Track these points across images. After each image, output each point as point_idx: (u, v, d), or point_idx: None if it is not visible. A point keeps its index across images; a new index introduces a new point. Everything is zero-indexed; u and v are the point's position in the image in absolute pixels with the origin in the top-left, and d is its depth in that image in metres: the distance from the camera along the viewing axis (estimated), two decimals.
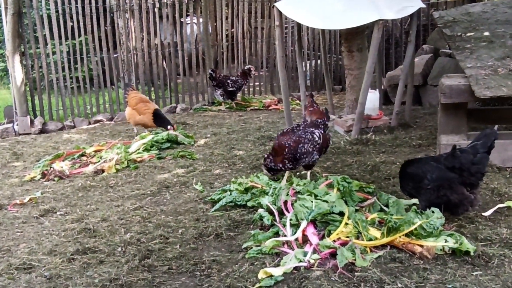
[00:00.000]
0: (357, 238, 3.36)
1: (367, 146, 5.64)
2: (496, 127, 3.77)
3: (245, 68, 9.34)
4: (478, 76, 4.69)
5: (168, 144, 6.38)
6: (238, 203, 4.19)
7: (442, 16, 6.90)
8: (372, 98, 6.29)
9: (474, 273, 2.95)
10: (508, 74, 4.64)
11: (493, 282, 2.83)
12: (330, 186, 4.07)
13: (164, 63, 9.82)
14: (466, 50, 5.43)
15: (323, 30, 7.56)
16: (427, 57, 8.29)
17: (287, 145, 4.34)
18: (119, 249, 3.59)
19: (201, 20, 9.64)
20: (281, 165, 4.37)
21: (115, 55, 9.62)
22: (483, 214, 3.72)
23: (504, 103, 5.86)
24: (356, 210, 3.72)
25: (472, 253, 3.13)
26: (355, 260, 3.11)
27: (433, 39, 9.25)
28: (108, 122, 8.85)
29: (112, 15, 9.54)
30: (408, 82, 6.78)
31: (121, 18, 9.72)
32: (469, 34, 5.91)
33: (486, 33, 5.80)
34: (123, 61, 9.54)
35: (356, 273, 2.99)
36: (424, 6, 6.38)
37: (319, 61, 10.11)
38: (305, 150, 4.28)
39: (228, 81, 8.89)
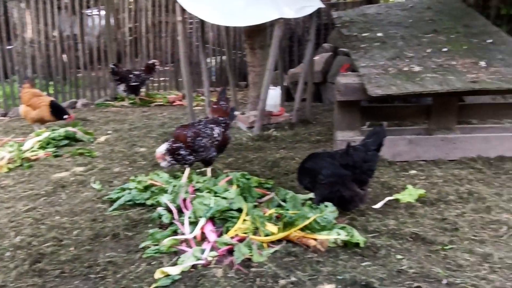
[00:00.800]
0: (255, 234, 3.40)
1: (269, 142, 5.73)
2: (384, 123, 3.95)
3: (149, 62, 9.15)
4: (371, 75, 4.92)
5: (66, 141, 6.09)
6: (137, 202, 4.09)
7: (340, 16, 7.17)
8: (274, 95, 6.40)
9: (363, 264, 3.08)
10: (398, 74, 4.90)
11: (380, 272, 2.98)
12: (230, 182, 4.09)
13: (64, 56, 9.37)
14: (361, 49, 5.67)
15: (227, 27, 7.58)
16: (327, 55, 8.57)
17: (187, 134, 4.26)
18: (8, 253, 3.38)
19: (103, 12, 9.30)
20: (178, 155, 4.25)
21: (9, 47, 9.04)
22: (373, 207, 3.90)
23: (394, 101, 6.18)
24: (255, 206, 3.76)
25: (362, 245, 3.26)
26: (252, 256, 3.15)
27: (333, 38, 9.58)
28: (1, 118, 8.31)
29: (5, 3, 8.94)
30: (308, 79, 6.97)
31: (16, 7, 9.15)
32: (364, 34, 6.19)
33: (380, 34, 6.09)
34: (18, 53, 8.98)
35: (252, 269, 3.02)
36: (323, 6, 6.58)
37: (224, 57, 10.12)
38: (203, 144, 4.25)
39: (131, 75, 8.67)
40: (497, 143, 5.00)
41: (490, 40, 5.58)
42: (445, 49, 5.39)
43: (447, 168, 4.75)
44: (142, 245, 3.39)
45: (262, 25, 6.40)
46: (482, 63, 4.96)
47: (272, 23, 6.22)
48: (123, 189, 4.28)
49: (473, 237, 3.40)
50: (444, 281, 2.87)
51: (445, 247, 3.26)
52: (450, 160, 4.96)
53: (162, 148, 4.25)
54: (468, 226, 3.55)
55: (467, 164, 4.83)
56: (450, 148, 5.00)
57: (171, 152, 4.23)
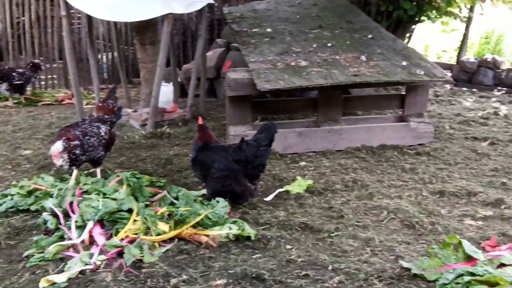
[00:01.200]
0: (146, 234, 3.34)
1: (162, 139, 5.65)
2: (259, 118, 3.98)
3: (35, 60, 8.63)
4: (260, 70, 5.00)
5: None
6: (21, 208, 3.84)
7: (231, 12, 7.21)
8: (166, 91, 6.31)
9: (254, 256, 3.13)
10: (285, 68, 5.02)
11: (270, 263, 3.04)
12: (120, 183, 3.97)
13: None
14: (251, 45, 5.74)
15: (115, 22, 7.34)
16: (220, 50, 8.59)
17: (76, 134, 4.05)
18: None
19: None
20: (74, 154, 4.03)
21: None
22: (265, 199, 3.98)
23: (284, 95, 6.35)
24: (147, 206, 3.69)
25: (253, 238, 3.31)
26: (143, 256, 3.08)
27: (225, 34, 9.61)
28: None
29: None
30: (201, 75, 6.94)
31: None
32: (254, 30, 6.27)
33: (269, 30, 6.21)
34: None
35: (143, 270, 2.96)
36: (212, 2, 6.57)
37: (116, 53, 9.80)
38: (91, 143, 4.09)
39: (14, 73, 8.12)
40: (379, 132, 5.30)
41: (371, 36, 5.88)
42: (329, 44, 5.60)
43: (334, 158, 4.95)
44: (26, 253, 3.20)
45: (152, 20, 6.27)
46: (363, 57, 5.22)
47: (162, 18, 6.11)
48: (4, 195, 4.00)
49: (357, 223, 3.58)
50: (330, 267, 2.99)
51: (332, 234, 3.41)
52: (337, 150, 5.18)
53: (58, 146, 3.98)
54: (353, 213, 3.73)
55: (353, 154, 5.07)
56: (337, 139, 5.22)
57: (68, 150, 3.98)
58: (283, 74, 4.89)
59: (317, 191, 4.14)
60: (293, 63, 5.15)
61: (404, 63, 5.15)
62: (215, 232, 3.33)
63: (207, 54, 8.28)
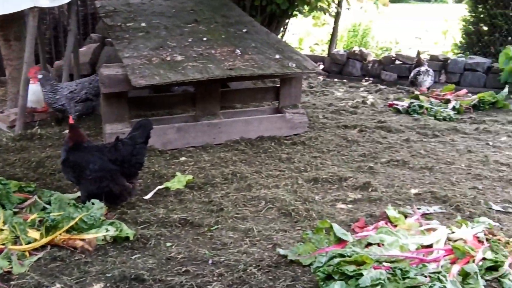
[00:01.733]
0: (15, 243, 3.12)
1: (33, 141, 5.29)
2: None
3: None
4: (135, 65, 4.86)
5: None
6: None
7: (103, 5, 6.92)
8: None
9: (133, 257, 3.05)
10: (161, 63, 4.93)
11: (150, 262, 2.99)
12: None
13: None
14: (125, 40, 5.56)
15: None
16: (95, 46, 8.25)
17: None
18: None
19: None
20: None
21: None
22: (144, 197, 3.90)
23: (162, 90, 6.25)
24: (15, 213, 3.45)
25: (132, 238, 3.23)
26: (12, 268, 2.88)
27: (100, 28, 9.24)
28: None
29: None
30: (74, 71, 6.61)
31: None
32: (128, 24, 6.08)
33: (143, 24, 6.05)
34: None
35: (12, 282, 2.76)
36: None
37: None
38: None
39: None
40: (256, 124, 5.41)
41: (245, 30, 5.97)
42: (205, 39, 5.59)
43: (214, 152, 4.97)
44: None
45: (17, 14, 5.84)
46: (238, 51, 5.28)
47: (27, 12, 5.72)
48: None
49: (236, 215, 3.62)
50: (210, 261, 3.00)
51: (212, 228, 3.42)
52: (217, 144, 5.21)
53: None
54: (232, 205, 3.77)
55: (232, 147, 5.13)
56: (216, 133, 5.25)
57: None
58: (159, 69, 4.80)
59: (197, 186, 4.13)
60: (168, 58, 5.07)
61: (277, 56, 5.29)
62: (91, 235, 3.20)
63: (81, 49, 7.91)
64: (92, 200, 3.43)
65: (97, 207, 3.38)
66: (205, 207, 3.76)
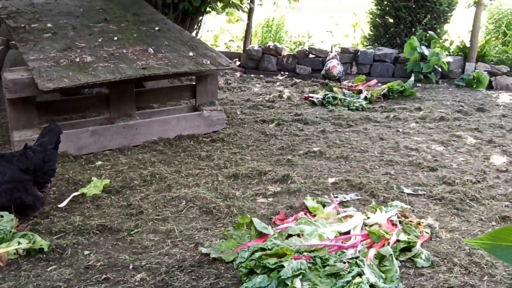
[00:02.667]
0: None
1: None
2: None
3: None
4: (41, 68, 4.62)
5: None
6: None
7: (5, 6, 6.53)
8: None
9: (49, 269, 2.91)
10: (70, 65, 4.73)
11: (67, 272, 2.86)
12: None
13: None
14: (30, 42, 5.28)
15: None
16: None
17: None
18: None
19: None
20: None
21: None
22: (59, 206, 3.72)
23: (71, 93, 6.01)
24: None
25: (46, 249, 3.08)
26: None
27: (4, 31, 8.72)
28: None
29: None
30: None
31: None
32: (33, 25, 5.77)
33: (50, 25, 5.77)
34: None
35: None
36: None
37: None
38: None
39: None
40: (174, 124, 5.33)
41: (157, 28, 5.85)
42: (116, 38, 5.43)
43: (131, 154, 4.85)
44: None
45: None
46: (151, 50, 5.17)
47: None
48: None
49: (156, 217, 3.55)
50: (131, 266, 2.92)
51: (131, 232, 3.33)
52: (135, 146, 5.08)
53: None
54: (152, 207, 3.70)
55: (150, 147, 5.02)
56: (133, 134, 5.12)
57: None
58: (68, 71, 4.59)
59: (114, 190, 4.01)
60: (77, 59, 4.87)
61: (191, 53, 5.24)
62: (1, 250, 3.01)
63: None
64: (1, 213, 3.23)
65: (7, 219, 3.19)
66: (124, 211, 3.65)
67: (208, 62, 5.16)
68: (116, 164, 4.60)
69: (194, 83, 5.99)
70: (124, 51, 5.14)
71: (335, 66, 8.20)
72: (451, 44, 9.24)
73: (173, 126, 5.33)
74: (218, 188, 4.03)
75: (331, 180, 4.24)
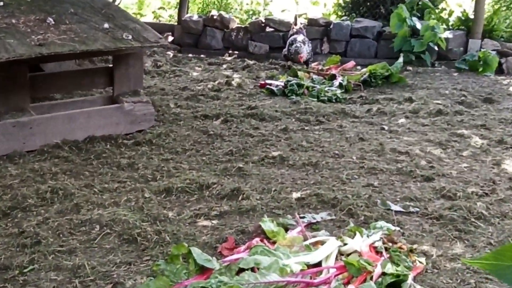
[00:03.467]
0: None
1: None
2: None
3: None
4: None
5: None
6: None
7: None
8: None
9: None
10: None
11: None
12: None
13: None
14: None
15: None
16: None
17: None
18: None
19: None
20: None
21: None
22: None
23: None
24: None
25: None
26: None
27: None
28: None
29: None
30: None
31: None
32: None
33: None
34: None
35: None
36: None
37: None
38: None
39: None
40: (84, 121, 5.26)
41: None
42: (1, 3, 5.31)
43: (24, 163, 4.75)
44: None
45: None
46: (50, 20, 5.10)
47: None
48: None
49: (60, 248, 3.49)
50: None
51: (25, 270, 3.26)
52: (29, 151, 4.99)
53: None
54: (53, 235, 3.63)
55: (51, 153, 4.94)
56: (26, 135, 5.02)
57: None
58: None
59: (1, 212, 3.91)
60: None
61: (106, 25, 5.20)
62: None
63: None
64: None
65: None
66: (14, 241, 3.56)
67: (130, 37, 5.13)
68: (2, 176, 4.49)
69: (111, 65, 5.93)
70: (14, 21, 5.03)
71: (303, 51, 8.13)
72: (450, 14, 9.51)
73: (82, 124, 5.26)
74: (144, 208, 4.00)
75: (295, 194, 4.28)
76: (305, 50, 8.16)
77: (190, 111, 6.23)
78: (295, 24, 8.67)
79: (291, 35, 8.52)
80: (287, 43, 8.42)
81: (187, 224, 3.83)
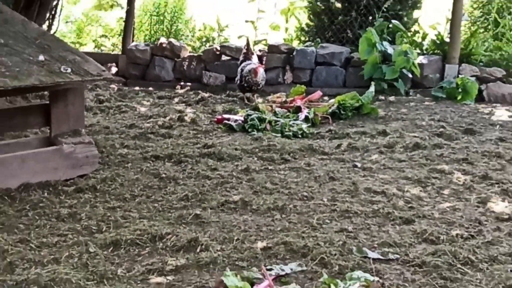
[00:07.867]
0: None
1: None
2: None
3: None
4: None
5: None
6: None
7: None
8: None
9: None
10: None
11: None
12: None
13: None
14: None
15: None
16: None
17: None
18: None
19: None
20: None
21: None
22: None
23: None
24: None
25: None
26: None
27: None
28: None
29: None
30: None
31: None
32: None
33: None
34: None
35: None
36: None
37: None
38: None
39: None
40: (17, 166, 5.18)
41: None
42: None
43: None
44: None
45: None
46: None
47: None
48: None
49: None
50: None
51: None
52: None
53: None
54: None
55: None
56: None
57: None
58: None
59: None
60: None
61: (42, 57, 5.18)
62: None
63: None
64: None
65: None
66: None
67: (69, 70, 5.11)
68: None
69: (47, 102, 5.87)
70: None
71: (257, 68, 8.20)
72: (424, 38, 9.69)
73: (15, 170, 5.18)
74: (89, 264, 3.93)
75: (261, 244, 4.25)
76: (260, 72, 8.20)
77: (138, 152, 6.19)
78: (247, 50, 8.67)
79: (241, 62, 8.54)
80: (238, 71, 8.42)
81: (138, 282, 3.77)
